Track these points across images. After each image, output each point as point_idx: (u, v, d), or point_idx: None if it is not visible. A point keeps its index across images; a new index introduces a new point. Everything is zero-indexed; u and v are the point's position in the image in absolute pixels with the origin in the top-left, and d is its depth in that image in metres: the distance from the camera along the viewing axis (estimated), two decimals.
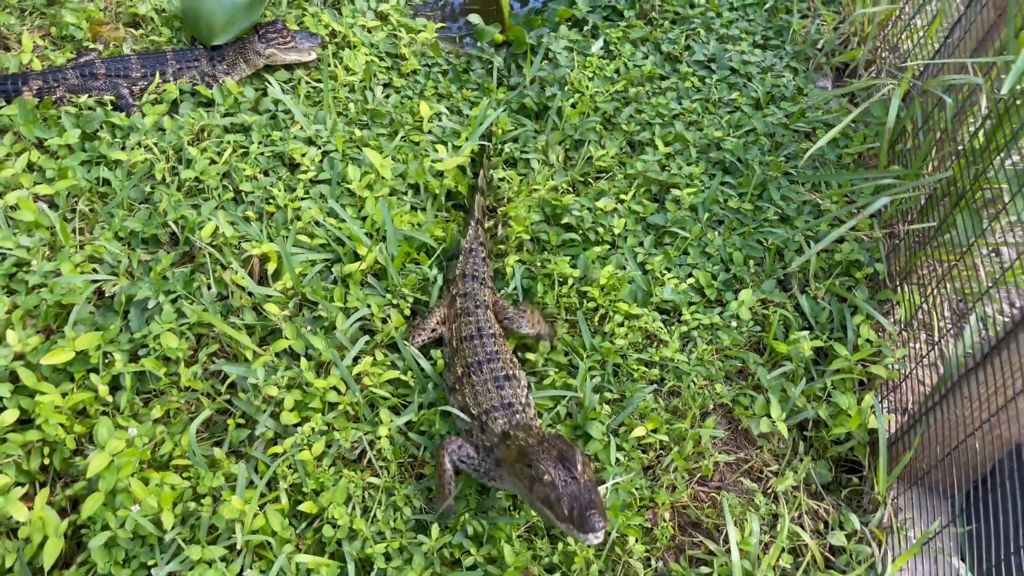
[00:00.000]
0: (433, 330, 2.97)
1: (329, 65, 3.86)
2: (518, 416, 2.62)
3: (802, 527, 2.70)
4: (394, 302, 2.99)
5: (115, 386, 2.70)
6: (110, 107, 3.47)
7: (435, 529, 2.46)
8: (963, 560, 2.60)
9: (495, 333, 2.90)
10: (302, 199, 3.21)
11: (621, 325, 3.07)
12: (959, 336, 2.70)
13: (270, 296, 2.88)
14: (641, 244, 3.39)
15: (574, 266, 3.23)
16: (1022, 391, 2.28)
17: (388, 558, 2.44)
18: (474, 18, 4.29)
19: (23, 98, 3.35)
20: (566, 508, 2.15)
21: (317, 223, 3.14)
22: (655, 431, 2.80)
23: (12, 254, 2.88)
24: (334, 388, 2.71)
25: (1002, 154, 2.65)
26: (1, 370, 2.58)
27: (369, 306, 2.93)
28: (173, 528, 2.39)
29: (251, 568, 2.36)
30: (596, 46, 4.25)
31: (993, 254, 3.04)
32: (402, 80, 3.95)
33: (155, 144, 3.31)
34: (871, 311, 3.10)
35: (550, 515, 2.21)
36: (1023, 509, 2.46)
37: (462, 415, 2.67)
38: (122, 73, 3.52)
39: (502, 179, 3.57)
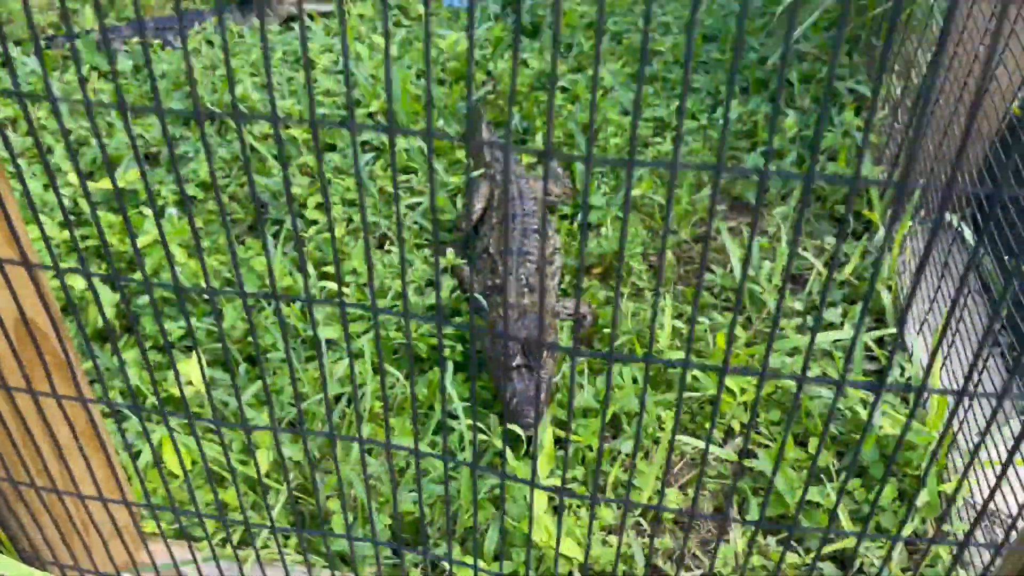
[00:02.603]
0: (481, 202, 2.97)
1: None
2: (528, 266, 2.56)
3: (805, 251, 2.79)
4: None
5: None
6: None
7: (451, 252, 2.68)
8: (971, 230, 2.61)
9: (534, 197, 2.91)
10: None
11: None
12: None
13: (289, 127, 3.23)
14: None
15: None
16: (975, 60, 2.43)
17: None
18: None
19: None
20: (507, 395, 2.12)
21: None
22: (653, 192, 2.97)
23: None
24: (349, 189, 2.99)
25: None
26: None
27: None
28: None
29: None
30: None
31: None
32: None
33: None
34: (854, 87, 3.31)
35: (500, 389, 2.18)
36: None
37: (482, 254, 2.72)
38: None
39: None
